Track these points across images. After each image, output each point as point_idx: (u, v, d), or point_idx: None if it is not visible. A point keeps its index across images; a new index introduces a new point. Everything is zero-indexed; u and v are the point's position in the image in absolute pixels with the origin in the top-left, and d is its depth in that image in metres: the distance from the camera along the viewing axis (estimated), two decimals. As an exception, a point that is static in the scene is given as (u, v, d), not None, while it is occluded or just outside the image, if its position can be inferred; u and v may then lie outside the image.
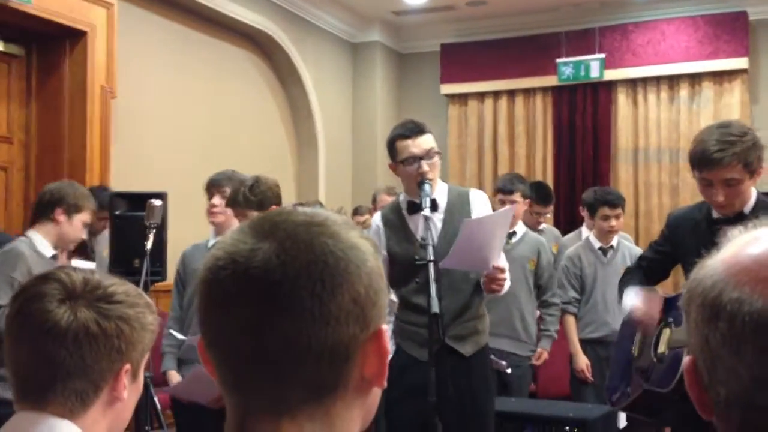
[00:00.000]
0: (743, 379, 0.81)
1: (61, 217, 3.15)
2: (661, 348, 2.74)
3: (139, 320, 1.32)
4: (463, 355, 3.09)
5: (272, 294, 0.79)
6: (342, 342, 0.81)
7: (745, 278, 0.81)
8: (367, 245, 0.86)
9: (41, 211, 3.15)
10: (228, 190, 3.56)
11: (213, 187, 3.67)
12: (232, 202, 3.41)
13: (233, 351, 0.81)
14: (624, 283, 3.00)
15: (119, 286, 1.34)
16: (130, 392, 1.33)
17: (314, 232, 0.83)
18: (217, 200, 3.60)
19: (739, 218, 2.63)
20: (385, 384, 0.87)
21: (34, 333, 1.26)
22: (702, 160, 2.57)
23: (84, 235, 3.29)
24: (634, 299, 2.84)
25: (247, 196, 3.29)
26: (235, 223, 3.59)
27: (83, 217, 3.22)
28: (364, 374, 0.84)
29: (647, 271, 2.99)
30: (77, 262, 3.42)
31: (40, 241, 3.13)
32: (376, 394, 0.88)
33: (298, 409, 0.81)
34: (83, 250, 3.74)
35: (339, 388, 0.82)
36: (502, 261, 3.08)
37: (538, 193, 4.87)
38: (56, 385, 1.26)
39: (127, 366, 1.31)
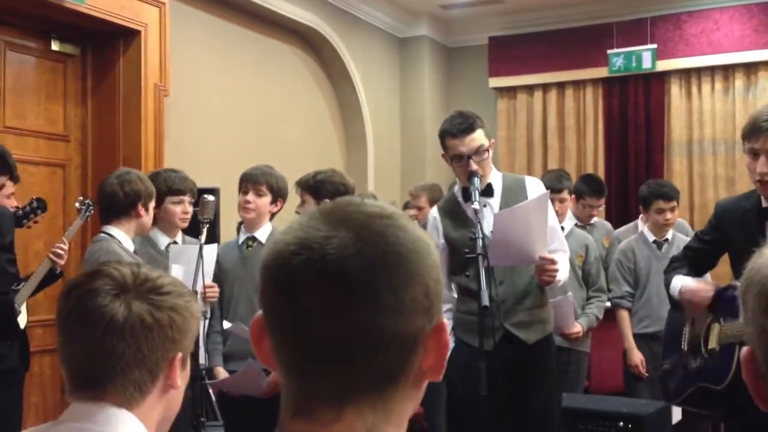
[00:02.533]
0: None
1: (142, 212, 3.21)
2: (712, 344, 2.69)
3: (188, 309, 1.36)
4: (526, 343, 3.06)
5: (349, 282, 0.79)
6: (411, 333, 0.82)
7: (805, 267, 0.80)
8: (431, 239, 0.88)
9: (120, 211, 3.19)
10: (263, 188, 3.57)
11: (249, 182, 3.63)
12: (303, 184, 3.63)
13: (302, 336, 0.82)
14: (669, 273, 2.96)
15: (165, 277, 1.38)
16: (181, 380, 1.37)
17: (386, 224, 0.84)
18: (251, 197, 3.60)
19: None
20: (441, 377, 0.88)
21: (91, 328, 1.30)
22: (750, 129, 2.58)
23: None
24: (684, 281, 2.80)
25: (308, 180, 3.39)
26: (266, 220, 3.64)
27: (153, 203, 3.29)
28: (423, 366, 0.85)
29: (692, 261, 2.94)
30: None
31: (123, 238, 3.17)
32: (425, 386, 0.89)
33: (362, 398, 0.82)
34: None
35: (401, 379, 0.83)
36: (558, 245, 3.05)
37: (590, 186, 4.82)
38: (116, 377, 1.30)
39: (180, 354, 1.35)
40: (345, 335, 0.80)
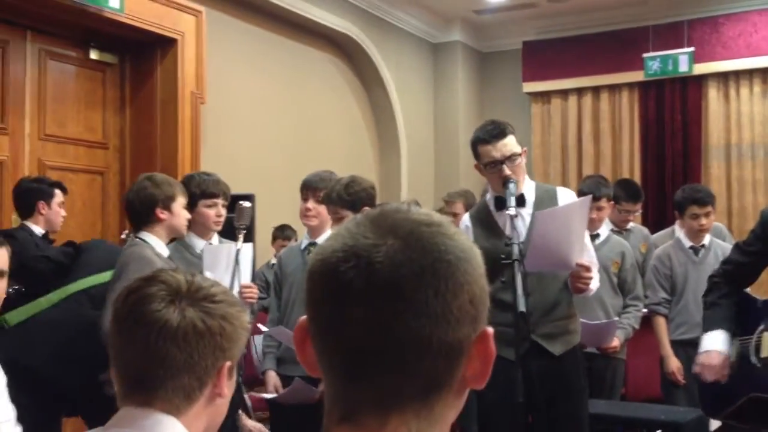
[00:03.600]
0: None
1: (163, 215, 3.17)
2: (765, 352, 2.64)
3: (239, 319, 1.38)
4: (553, 354, 3.04)
5: (398, 289, 0.79)
6: (458, 341, 0.82)
7: None
8: (477, 248, 0.88)
9: (142, 218, 3.20)
10: (323, 194, 3.60)
11: (307, 189, 3.69)
12: (326, 199, 3.46)
13: (349, 342, 0.82)
14: (709, 305, 2.89)
15: (217, 286, 1.40)
16: (228, 389, 1.38)
17: (435, 232, 0.84)
18: (311, 204, 3.63)
19: None
20: (483, 386, 0.88)
21: (146, 333, 1.32)
22: None
23: (186, 221, 3.29)
24: (709, 346, 2.76)
25: (341, 194, 3.34)
26: (329, 225, 3.64)
27: (180, 202, 3.22)
28: (467, 375, 0.85)
29: (734, 276, 2.86)
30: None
31: (156, 243, 3.16)
32: (467, 394, 0.89)
33: (407, 405, 0.82)
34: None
35: (445, 386, 0.83)
36: (588, 259, 3.02)
37: (627, 191, 4.76)
38: (166, 382, 1.31)
39: (229, 363, 1.36)
40: (392, 343, 0.80)
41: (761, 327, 2.70)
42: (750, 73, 6.99)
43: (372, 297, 0.80)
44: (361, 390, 0.83)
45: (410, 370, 0.81)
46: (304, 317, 0.88)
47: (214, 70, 5.32)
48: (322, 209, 3.59)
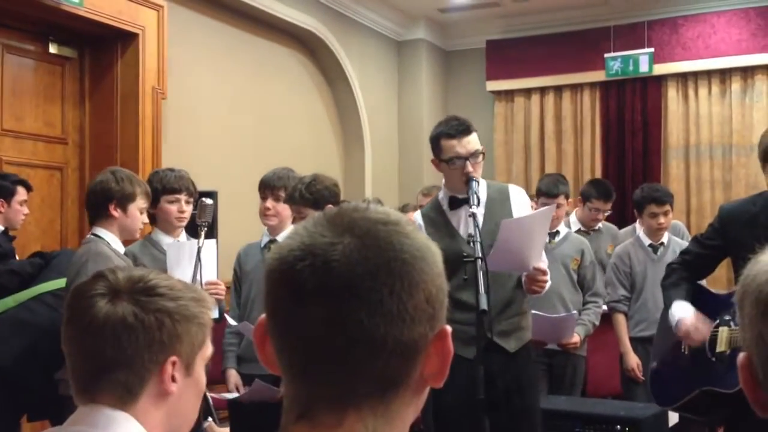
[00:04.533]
0: None
1: (116, 212, 3.09)
2: (721, 347, 2.69)
3: (182, 312, 1.33)
4: (507, 351, 3.08)
5: (353, 288, 0.80)
6: (414, 340, 0.83)
7: (802, 273, 0.80)
8: (436, 247, 0.89)
9: (96, 211, 3.14)
10: (281, 193, 3.58)
11: (266, 188, 3.67)
12: (288, 198, 3.45)
13: (305, 341, 0.82)
14: (668, 286, 2.95)
15: (164, 280, 1.35)
16: (184, 387, 1.34)
17: (391, 231, 0.84)
18: (270, 203, 3.62)
19: None
20: (441, 384, 0.88)
21: (79, 329, 1.31)
22: None
23: (141, 225, 3.24)
24: (682, 313, 2.80)
25: (303, 193, 3.32)
26: (289, 223, 3.62)
27: (139, 204, 3.14)
28: (424, 373, 0.85)
29: (691, 266, 2.93)
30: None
31: (112, 238, 3.09)
32: (426, 392, 0.89)
33: (364, 403, 0.82)
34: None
35: (402, 385, 0.84)
36: (543, 262, 3.07)
37: (598, 189, 4.83)
38: (102, 378, 1.29)
39: (174, 358, 1.32)
40: (348, 341, 0.81)
41: (717, 321, 2.75)
42: (708, 74, 7.11)
43: (328, 295, 0.81)
44: (318, 388, 0.83)
45: (366, 369, 0.82)
46: (263, 315, 0.88)
47: (176, 65, 5.27)
48: (282, 208, 3.58)
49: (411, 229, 0.87)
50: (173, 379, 1.32)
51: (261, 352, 0.90)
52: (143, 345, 1.29)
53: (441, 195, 3.23)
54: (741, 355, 0.88)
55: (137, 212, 3.15)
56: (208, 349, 1.39)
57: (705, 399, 2.69)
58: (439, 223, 3.16)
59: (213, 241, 3.45)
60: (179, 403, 1.34)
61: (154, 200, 3.34)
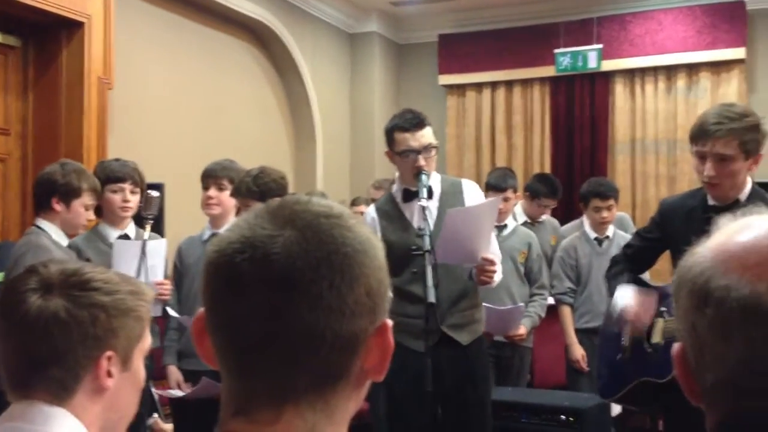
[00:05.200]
0: (730, 365, 0.82)
1: (58, 207, 3.03)
2: (656, 338, 2.75)
3: (117, 306, 1.30)
4: (460, 344, 3.09)
5: (293, 281, 0.79)
6: (353, 334, 0.82)
7: (733, 265, 0.82)
8: (378, 240, 0.88)
9: (39, 202, 3.06)
10: (225, 182, 3.54)
11: (209, 178, 3.62)
12: (235, 191, 3.41)
13: (244, 335, 0.81)
14: (611, 276, 2.99)
15: (99, 273, 1.32)
16: (121, 381, 1.32)
17: (333, 224, 0.84)
18: (213, 192, 3.57)
19: (734, 206, 2.64)
20: (382, 378, 0.88)
21: (11, 325, 1.28)
22: (699, 131, 2.60)
23: (85, 221, 3.18)
24: (627, 299, 2.84)
25: (250, 186, 3.29)
26: (232, 215, 3.59)
27: (84, 200, 3.07)
28: (365, 367, 0.85)
29: (633, 260, 2.98)
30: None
31: (54, 230, 3.02)
32: (367, 386, 0.89)
33: (302, 397, 0.82)
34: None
35: (342, 379, 0.83)
36: (492, 252, 3.08)
37: (546, 186, 4.90)
38: (35, 374, 1.27)
39: (109, 353, 1.30)
40: (286, 334, 0.80)
41: (654, 313, 2.81)
42: (655, 71, 7.23)
43: (267, 288, 0.80)
44: (255, 382, 0.83)
45: (305, 363, 0.81)
46: (202, 309, 0.87)
47: (123, 54, 5.18)
48: (225, 198, 3.54)
49: (353, 223, 0.86)
50: (109, 374, 1.30)
51: (199, 346, 0.89)
52: (76, 341, 1.26)
53: (395, 188, 3.24)
54: (675, 346, 0.90)
55: (81, 209, 3.08)
56: (147, 342, 1.36)
57: (643, 389, 2.74)
58: (393, 215, 3.17)
59: (163, 241, 3.40)
60: (117, 397, 1.32)
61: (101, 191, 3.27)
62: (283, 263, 0.80)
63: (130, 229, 3.44)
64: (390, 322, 0.88)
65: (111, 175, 3.34)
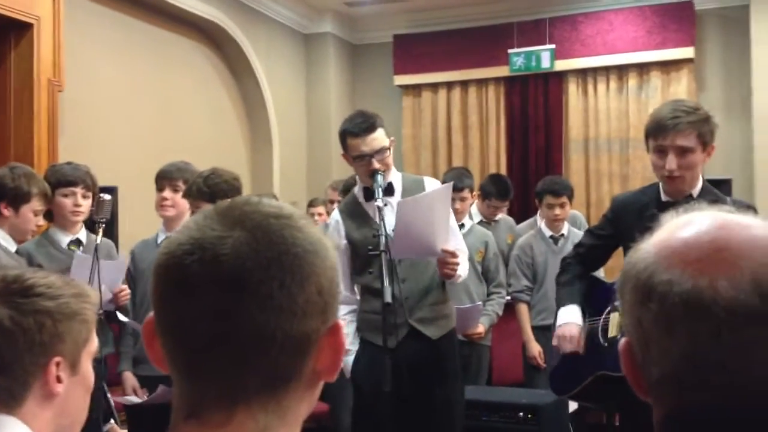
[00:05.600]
0: (674, 359, 0.83)
1: (6, 211, 2.97)
2: (612, 332, 2.79)
3: (62, 311, 1.29)
4: (429, 339, 3.09)
5: (242, 282, 0.79)
6: (305, 334, 0.82)
7: (675, 261, 0.84)
8: (329, 240, 0.88)
9: None
10: (179, 183, 3.50)
11: (164, 179, 3.57)
12: (186, 193, 3.37)
13: (193, 337, 0.81)
14: (561, 284, 3.00)
15: (41, 278, 1.30)
16: (71, 386, 1.31)
17: (283, 224, 0.83)
18: (167, 193, 3.53)
19: (687, 202, 2.69)
20: (335, 378, 0.88)
21: None
22: (658, 126, 2.67)
23: (34, 227, 3.12)
24: (565, 320, 2.86)
25: (201, 186, 3.26)
26: (188, 216, 3.54)
27: (33, 206, 3.02)
28: (317, 367, 0.85)
29: (585, 258, 3.01)
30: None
31: (2, 236, 2.96)
32: (321, 386, 0.89)
33: (253, 399, 0.81)
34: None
35: (294, 379, 0.83)
36: (456, 245, 3.08)
37: (497, 187, 4.94)
38: None
39: (57, 359, 1.28)
40: (236, 335, 0.80)
41: (609, 308, 2.85)
42: (606, 70, 7.34)
43: (216, 290, 0.80)
44: (206, 385, 0.82)
45: (255, 364, 0.81)
46: (152, 313, 0.87)
47: (74, 56, 5.09)
48: (179, 199, 3.50)
49: (303, 223, 0.86)
50: (58, 380, 1.28)
51: (150, 350, 0.88)
52: (23, 349, 1.25)
53: (356, 188, 3.24)
54: (622, 341, 0.92)
55: (30, 214, 3.03)
56: (94, 345, 1.35)
57: (600, 384, 2.78)
58: (357, 215, 3.17)
59: (122, 261, 3.37)
60: (67, 402, 1.31)
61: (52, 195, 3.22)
62: (232, 264, 0.79)
63: (82, 233, 3.39)
64: (342, 322, 0.88)
65: (62, 179, 3.28)
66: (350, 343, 3.10)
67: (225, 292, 0.79)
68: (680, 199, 2.66)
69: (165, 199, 3.52)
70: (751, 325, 0.79)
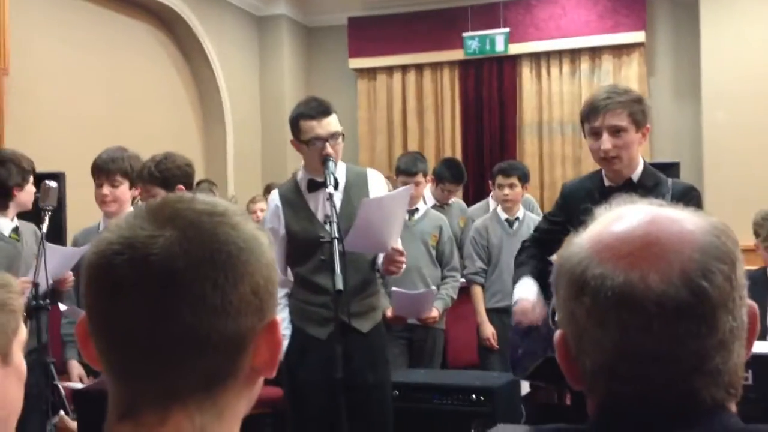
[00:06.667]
0: (606, 351, 0.85)
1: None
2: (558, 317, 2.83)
3: None
4: (360, 331, 3.11)
5: (173, 282, 0.78)
6: (240, 333, 0.81)
7: (607, 255, 0.85)
8: (264, 237, 0.86)
9: None
10: (118, 177, 3.36)
11: (101, 174, 3.40)
12: (137, 176, 3.31)
13: (124, 338, 0.80)
14: (517, 264, 3.06)
15: None
16: (4, 377, 1.29)
17: (216, 222, 0.82)
18: (107, 189, 3.36)
19: (628, 186, 2.75)
20: (274, 374, 0.88)
21: None
22: (590, 109, 2.74)
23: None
24: (522, 293, 2.90)
25: (152, 171, 3.20)
26: (129, 207, 3.47)
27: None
28: (255, 364, 0.84)
29: (541, 242, 3.06)
30: None
31: None
32: (261, 382, 0.89)
33: (189, 399, 0.81)
34: None
35: (230, 378, 0.83)
36: (399, 243, 3.11)
37: (451, 171, 4.96)
38: None
39: None
40: (168, 336, 0.79)
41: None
42: (559, 54, 7.40)
43: (147, 291, 0.79)
44: (140, 385, 0.81)
45: (189, 364, 0.80)
46: (84, 313, 0.85)
47: (19, 39, 4.97)
48: (120, 193, 3.38)
49: (238, 220, 0.85)
50: None
51: (84, 349, 0.87)
52: None
53: (300, 176, 3.20)
54: (557, 333, 0.93)
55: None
56: (23, 334, 1.33)
57: (549, 366, 2.82)
58: (297, 205, 3.14)
59: (76, 249, 3.32)
60: (2, 394, 1.29)
61: None
62: (163, 264, 0.78)
63: (8, 222, 3.36)
64: (279, 318, 0.88)
65: None
66: (284, 327, 3.10)
67: (156, 292, 0.78)
68: (621, 184, 2.72)
69: (105, 195, 3.39)
70: (682, 318, 0.81)
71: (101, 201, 3.41)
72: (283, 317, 3.12)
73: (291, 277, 3.19)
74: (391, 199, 3.00)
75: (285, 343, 3.09)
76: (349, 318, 2.92)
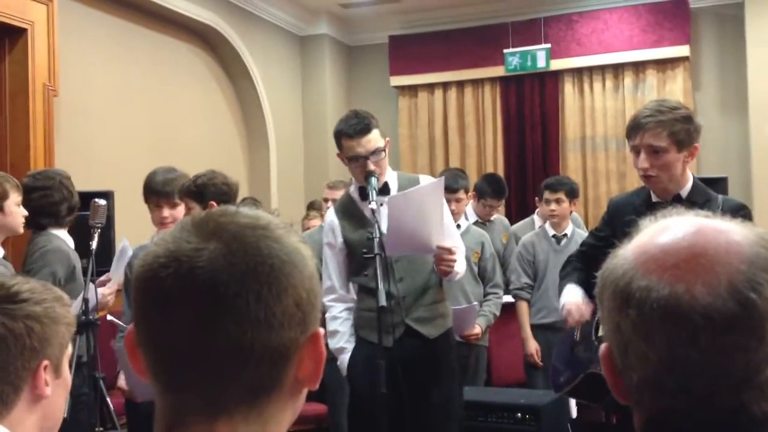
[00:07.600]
0: (652, 364, 0.84)
1: None
2: (602, 331, 2.79)
3: (49, 315, 1.32)
4: (427, 338, 3.09)
5: (218, 295, 0.79)
6: (283, 345, 0.82)
7: (653, 266, 0.84)
8: (307, 250, 0.88)
9: None
10: (176, 199, 3.43)
11: (159, 197, 3.49)
12: (178, 190, 3.39)
13: (172, 350, 0.81)
14: (562, 276, 3.03)
15: (23, 284, 1.33)
16: (55, 389, 1.33)
17: (259, 235, 0.83)
18: (167, 212, 3.45)
19: (677, 202, 2.70)
20: (317, 386, 0.88)
21: None
22: (632, 126, 2.67)
23: (21, 218, 3.15)
24: (568, 297, 2.87)
25: (189, 185, 3.27)
26: None
27: (13, 200, 3.10)
28: (299, 376, 0.85)
29: (587, 257, 3.02)
30: None
31: None
32: (304, 395, 0.90)
33: (235, 410, 0.82)
34: None
35: (275, 389, 0.83)
36: (453, 241, 3.08)
37: (492, 187, 4.94)
38: None
39: (45, 362, 1.31)
40: (214, 348, 0.80)
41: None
42: (602, 69, 7.35)
43: (192, 303, 0.80)
44: (187, 397, 0.82)
45: (234, 376, 0.81)
46: (132, 325, 0.87)
47: (68, 61, 5.10)
48: (178, 214, 3.45)
49: (280, 233, 0.86)
50: (46, 383, 1.31)
51: (133, 360, 0.88)
52: (15, 354, 1.27)
53: (352, 188, 3.24)
54: (602, 346, 0.92)
55: (15, 207, 3.11)
56: (70, 348, 1.38)
57: (591, 382, 2.78)
58: (353, 215, 3.16)
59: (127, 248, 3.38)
60: (51, 405, 1.34)
61: None
62: (208, 277, 0.80)
63: None
64: (322, 331, 0.88)
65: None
66: (345, 341, 3.10)
67: (201, 305, 0.79)
68: (668, 200, 2.66)
69: (165, 217, 3.47)
70: (729, 330, 0.80)
71: (160, 222, 3.47)
72: (343, 331, 3.12)
73: (354, 294, 3.19)
74: (419, 193, 2.93)
75: (347, 356, 3.08)
76: (410, 322, 2.89)
